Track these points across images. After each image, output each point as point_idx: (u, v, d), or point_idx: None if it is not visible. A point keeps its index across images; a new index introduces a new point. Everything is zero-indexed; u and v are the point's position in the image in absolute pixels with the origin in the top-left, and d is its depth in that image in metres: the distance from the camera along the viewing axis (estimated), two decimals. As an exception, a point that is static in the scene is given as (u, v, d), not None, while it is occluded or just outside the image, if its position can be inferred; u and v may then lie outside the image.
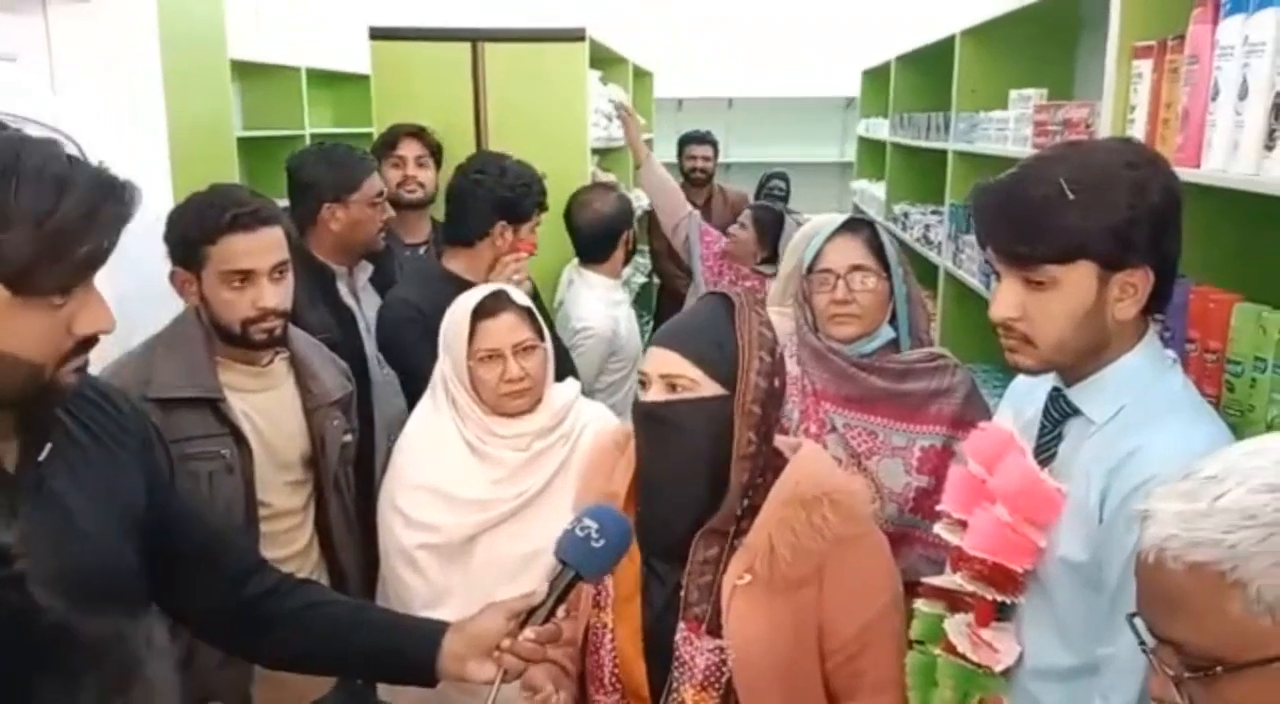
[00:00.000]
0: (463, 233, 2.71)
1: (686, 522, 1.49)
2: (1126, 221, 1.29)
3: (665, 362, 1.48)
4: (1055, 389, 1.46)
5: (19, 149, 1.10)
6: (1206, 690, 0.90)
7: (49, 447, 1.22)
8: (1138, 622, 0.98)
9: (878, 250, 2.06)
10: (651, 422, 1.49)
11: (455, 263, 2.72)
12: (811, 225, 2.48)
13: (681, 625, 1.47)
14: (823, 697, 1.51)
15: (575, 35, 3.69)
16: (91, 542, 1.25)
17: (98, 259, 1.16)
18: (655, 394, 1.48)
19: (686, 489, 1.48)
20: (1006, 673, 1.45)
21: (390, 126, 3.40)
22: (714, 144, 5.78)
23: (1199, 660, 0.90)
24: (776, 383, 1.51)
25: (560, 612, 1.35)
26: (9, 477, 1.18)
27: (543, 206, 2.82)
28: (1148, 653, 0.96)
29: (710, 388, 1.46)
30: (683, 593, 1.49)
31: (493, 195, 2.67)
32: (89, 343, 1.20)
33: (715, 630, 1.46)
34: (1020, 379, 1.67)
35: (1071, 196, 1.28)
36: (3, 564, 0.50)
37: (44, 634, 0.49)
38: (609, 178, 4.31)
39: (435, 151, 3.39)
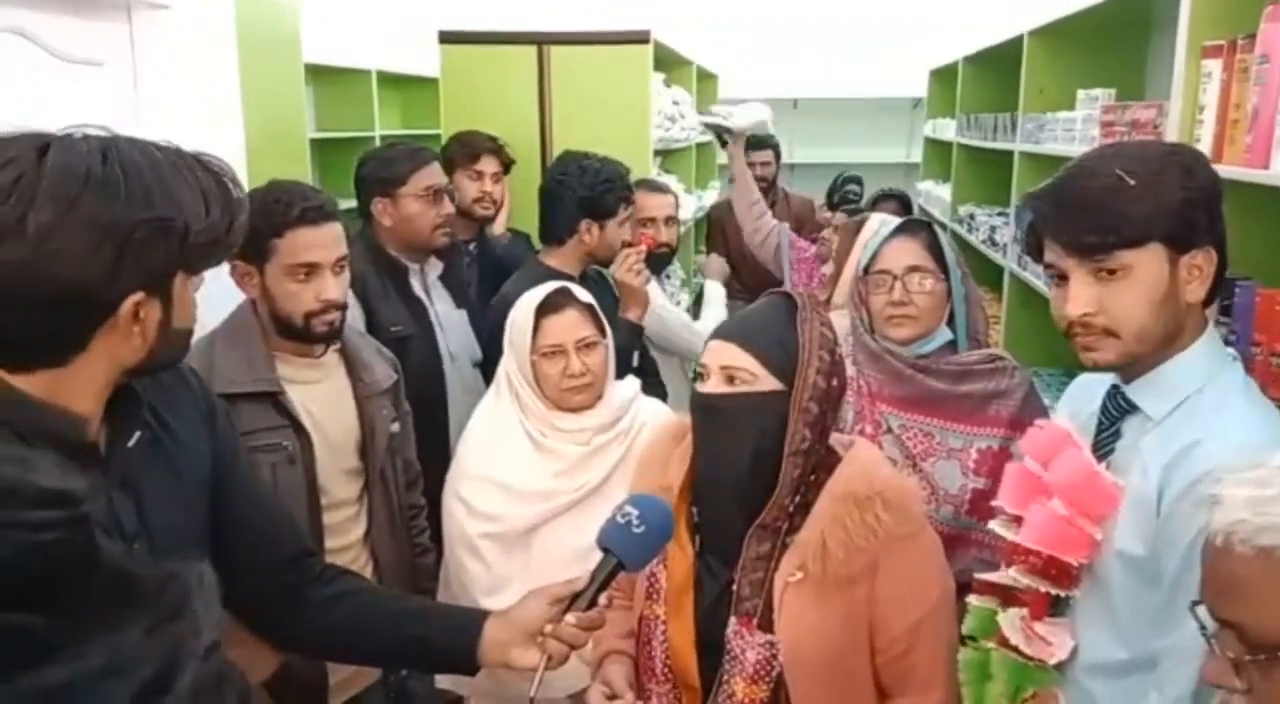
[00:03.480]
0: (554, 232, 2.87)
1: (740, 515, 1.51)
2: (1184, 202, 1.31)
3: (724, 354, 1.50)
4: (1114, 386, 1.46)
5: (147, 150, 1.18)
6: (1266, 674, 0.92)
7: (138, 435, 1.27)
8: (1201, 610, 0.99)
9: (936, 251, 2.05)
10: (708, 412, 1.51)
11: (551, 259, 2.87)
12: (880, 221, 2.48)
13: (733, 620, 1.49)
14: (872, 692, 1.52)
15: (640, 38, 3.73)
16: (168, 522, 1.30)
17: (244, 231, 1.27)
18: (714, 386, 1.50)
19: (740, 482, 1.50)
20: (1060, 667, 1.45)
21: (470, 137, 3.39)
22: (775, 148, 5.51)
23: (1261, 644, 0.91)
24: (835, 382, 1.51)
25: (603, 599, 1.37)
26: (101, 461, 1.23)
27: (629, 201, 2.93)
28: (1207, 637, 0.97)
29: (769, 383, 1.48)
30: (735, 588, 1.50)
31: (575, 195, 2.81)
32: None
33: (767, 625, 1.47)
34: (1077, 381, 1.66)
35: (1132, 183, 1.31)
36: (72, 506, 0.55)
37: (104, 573, 0.54)
38: (670, 179, 4.33)
39: (508, 166, 3.43)
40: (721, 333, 1.54)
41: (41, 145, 1.11)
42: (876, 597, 1.47)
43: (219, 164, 1.25)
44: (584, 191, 2.81)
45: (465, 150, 3.33)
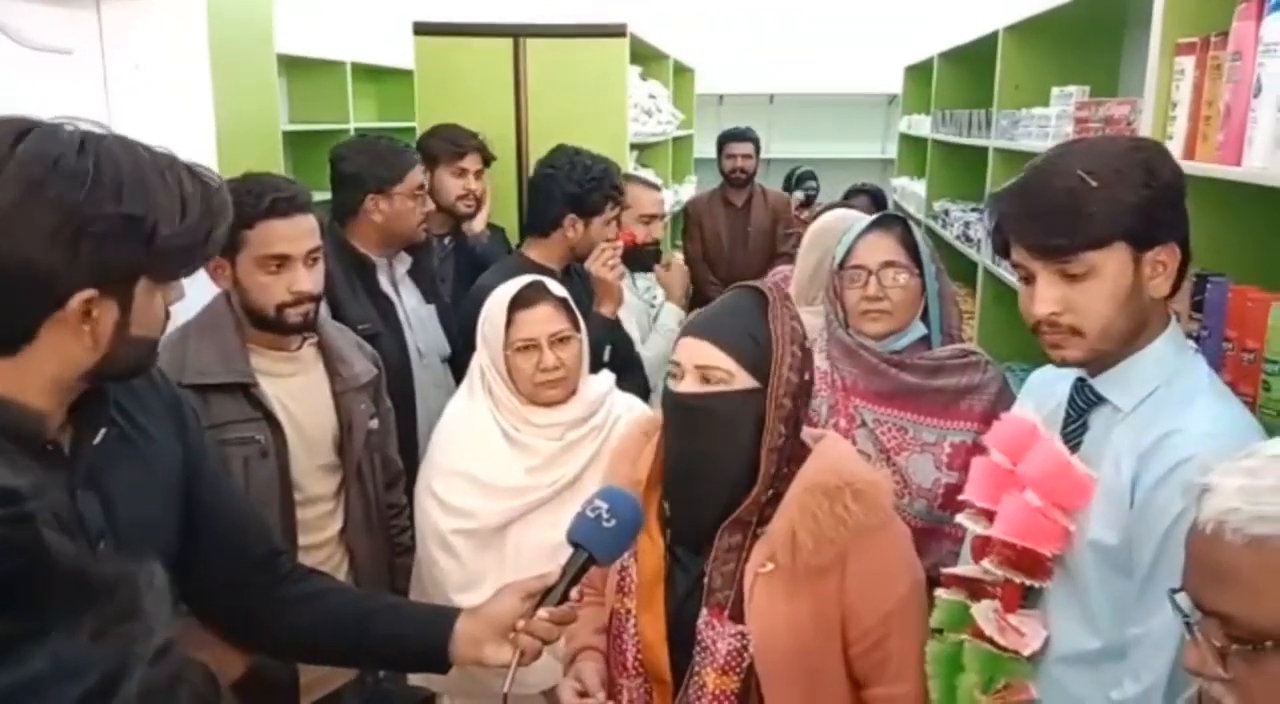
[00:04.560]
0: (539, 223, 2.89)
1: (714, 511, 1.50)
2: (1147, 200, 1.33)
3: (700, 352, 1.48)
4: (1080, 380, 1.48)
5: (132, 148, 1.16)
6: (1250, 664, 0.92)
7: (104, 432, 1.26)
8: (1180, 597, 0.99)
9: (910, 247, 2.06)
10: (684, 412, 1.50)
11: (534, 251, 2.88)
12: (837, 218, 2.50)
13: (704, 611, 1.49)
14: (844, 683, 1.53)
15: (616, 31, 3.71)
16: (136, 521, 1.28)
17: (221, 243, 1.26)
18: (690, 385, 1.49)
19: (716, 479, 1.49)
20: (1033, 658, 1.46)
21: (454, 133, 3.35)
22: (755, 141, 5.45)
23: (1247, 634, 0.91)
24: (806, 376, 1.52)
25: (574, 594, 1.37)
26: (65, 459, 1.22)
27: (616, 200, 2.93)
28: (1190, 625, 0.98)
29: (744, 380, 1.47)
30: (706, 580, 1.50)
31: (562, 189, 2.82)
32: (169, 314, 1.28)
33: (738, 616, 1.47)
34: (1037, 374, 1.68)
35: (1094, 185, 1.32)
36: (13, 503, 0.54)
37: (51, 575, 0.53)
38: (648, 173, 4.32)
39: (487, 162, 3.42)
40: (695, 330, 1.52)
41: (22, 130, 1.10)
42: (847, 588, 1.48)
43: (208, 174, 1.23)
44: (571, 187, 2.83)
45: (451, 147, 3.30)
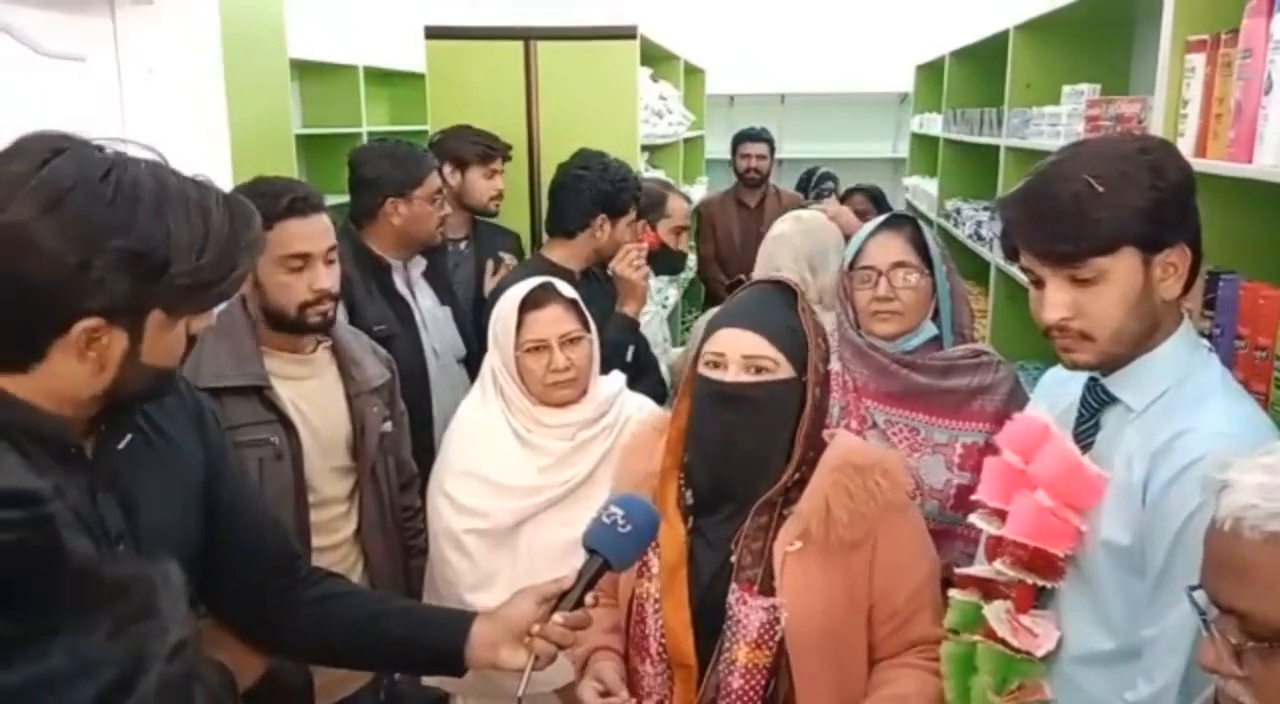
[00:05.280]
0: (565, 225, 2.89)
1: (746, 493, 1.54)
2: (1155, 203, 1.32)
3: (747, 343, 1.53)
4: (1092, 379, 1.47)
5: (163, 179, 1.16)
6: (1266, 662, 0.93)
7: (128, 438, 1.27)
8: (1198, 595, 0.99)
9: (920, 247, 2.05)
10: (733, 401, 1.53)
11: (555, 253, 2.89)
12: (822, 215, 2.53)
13: (734, 586, 1.52)
14: (865, 663, 1.57)
15: (627, 33, 3.72)
16: (157, 524, 1.30)
17: (241, 281, 1.25)
18: (738, 374, 1.53)
19: (758, 465, 1.54)
20: (1046, 658, 1.46)
21: (482, 136, 3.38)
22: (769, 142, 5.49)
23: (1263, 631, 0.91)
24: (829, 367, 1.60)
25: (589, 599, 1.39)
26: (88, 463, 1.23)
27: (638, 200, 2.97)
28: (1207, 622, 0.98)
29: (786, 371, 1.53)
30: (734, 559, 1.53)
31: (594, 189, 2.84)
32: (195, 339, 1.28)
33: (768, 591, 1.51)
34: (1050, 374, 1.68)
35: (1100, 190, 1.31)
36: (34, 505, 0.55)
37: (69, 573, 0.54)
38: (658, 174, 4.33)
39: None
40: (737, 321, 1.56)
41: (58, 148, 1.11)
42: (876, 566, 1.53)
43: (243, 208, 1.23)
44: (604, 186, 2.85)
45: (486, 150, 3.34)
